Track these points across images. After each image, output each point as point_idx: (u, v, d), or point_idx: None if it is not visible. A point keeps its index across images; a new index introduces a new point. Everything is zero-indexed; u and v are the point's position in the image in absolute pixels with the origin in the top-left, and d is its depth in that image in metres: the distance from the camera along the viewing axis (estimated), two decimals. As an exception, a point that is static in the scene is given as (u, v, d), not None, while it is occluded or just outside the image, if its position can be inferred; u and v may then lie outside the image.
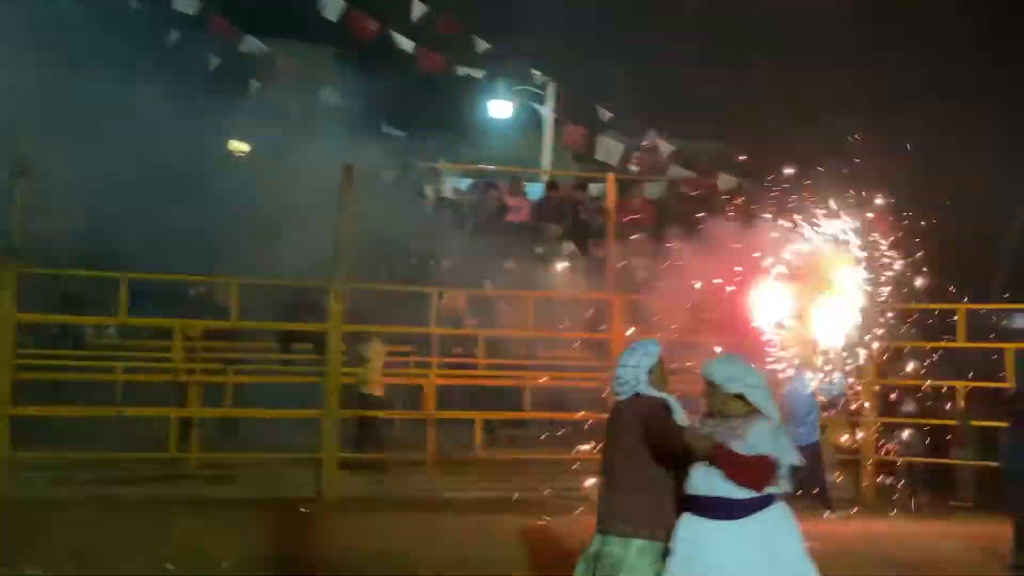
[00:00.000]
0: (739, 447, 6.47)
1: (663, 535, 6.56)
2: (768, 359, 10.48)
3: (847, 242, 12.74)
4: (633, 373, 6.83)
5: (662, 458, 6.64)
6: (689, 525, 6.51)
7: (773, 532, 6.46)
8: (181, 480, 13.72)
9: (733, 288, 12.08)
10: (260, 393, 14.99)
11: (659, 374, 6.85)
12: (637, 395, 6.80)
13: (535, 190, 20.64)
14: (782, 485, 6.54)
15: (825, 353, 11.93)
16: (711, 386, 6.69)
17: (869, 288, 12.90)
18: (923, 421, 15.67)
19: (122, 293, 13.01)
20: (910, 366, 15.89)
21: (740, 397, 6.63)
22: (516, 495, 13.61)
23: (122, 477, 13.16)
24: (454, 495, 13.71)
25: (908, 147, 16.03)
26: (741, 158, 16.84)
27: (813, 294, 12.22)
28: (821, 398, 13.13)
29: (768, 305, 11.84)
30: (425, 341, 16.28)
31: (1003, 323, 19.25)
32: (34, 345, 15.70)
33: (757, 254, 11.77)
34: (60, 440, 13.39)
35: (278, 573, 9.83)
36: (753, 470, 6.48)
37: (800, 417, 12.97)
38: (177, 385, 14.45)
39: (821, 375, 12.40)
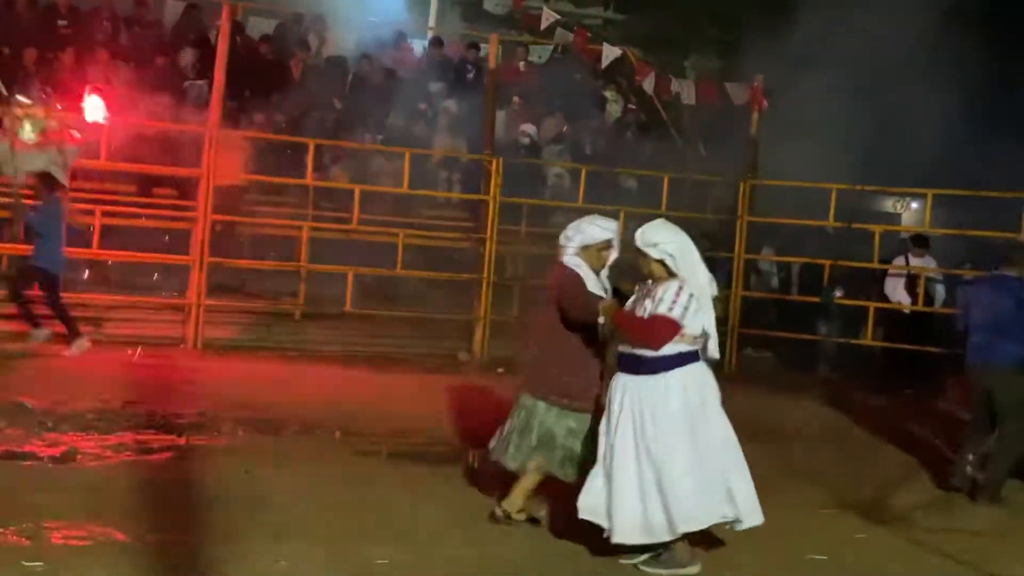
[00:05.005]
0: (645, 308, 6.86)
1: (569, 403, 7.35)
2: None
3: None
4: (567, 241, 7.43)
5: (571, 325, 7.31)
6: (616, 381, 7.01)
7: (683, 387, 6.83)
8: (43, 319, 13.48)
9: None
10: (129, 237, 14.69)
11: (593, 253, 7.40)
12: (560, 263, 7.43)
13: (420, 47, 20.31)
14: (696, 344, 6.88)
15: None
16: (638, 251, 6.96)
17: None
18: (788, 297, 16.17)
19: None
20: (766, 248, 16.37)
21: (661, 262, 6.90)
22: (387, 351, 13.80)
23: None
24: (319, 347, 13.77)
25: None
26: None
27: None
28: None
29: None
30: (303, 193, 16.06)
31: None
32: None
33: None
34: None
35: (140, 414, 9.82)
36: (644, 329, 6.87)
37: None
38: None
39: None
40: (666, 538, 6.80)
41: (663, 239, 6.89)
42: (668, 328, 6.76)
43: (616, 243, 7.53)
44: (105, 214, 13.59)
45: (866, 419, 12.20)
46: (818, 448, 10.68)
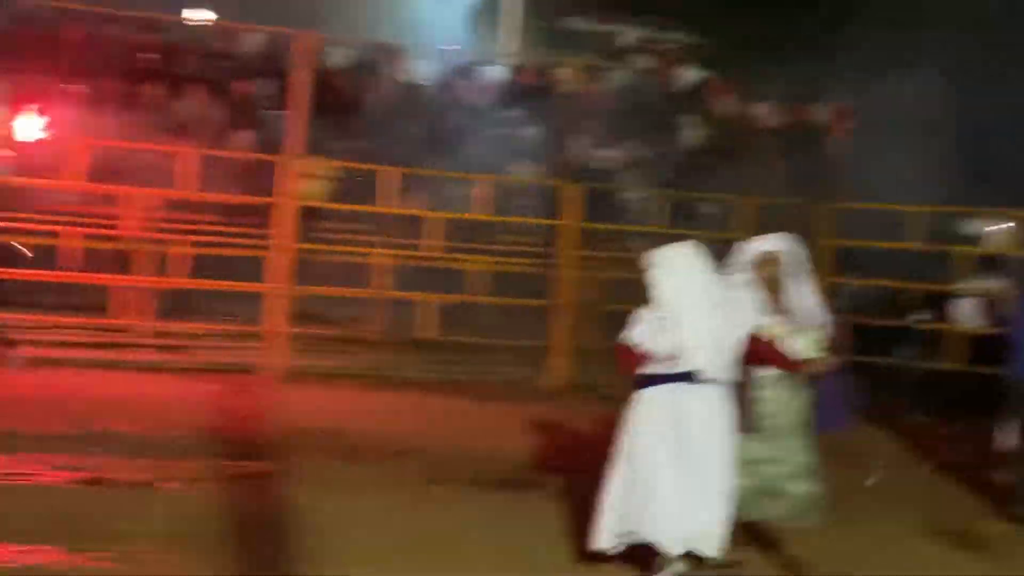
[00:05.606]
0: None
1: None
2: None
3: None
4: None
5: None
6: None
7: (633, 408, 6.81)
8: (132, 347, 13.68)
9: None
10: (217, 265, 14.86)
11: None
12: None
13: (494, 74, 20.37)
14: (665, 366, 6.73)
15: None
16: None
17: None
18: (872, 323, 15.90)
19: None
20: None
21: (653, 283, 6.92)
22: (464, 378, 13.77)
23: (67, 342, 13.13)
24: (404, 374, 13.78)
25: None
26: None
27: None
28: None
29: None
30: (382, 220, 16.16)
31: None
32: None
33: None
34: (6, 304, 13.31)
35: (222, 441, 9.89)
36: (616, 356, 6.94)
37: None
38: (128, 253, 14.34)
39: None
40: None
41: (653, 260, 6.89)
42: (628, 355, 6.80)
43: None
44: (193, 244, 13.78)
45: (951, 446, 11.95)
46: (903, 474, 10.47)
